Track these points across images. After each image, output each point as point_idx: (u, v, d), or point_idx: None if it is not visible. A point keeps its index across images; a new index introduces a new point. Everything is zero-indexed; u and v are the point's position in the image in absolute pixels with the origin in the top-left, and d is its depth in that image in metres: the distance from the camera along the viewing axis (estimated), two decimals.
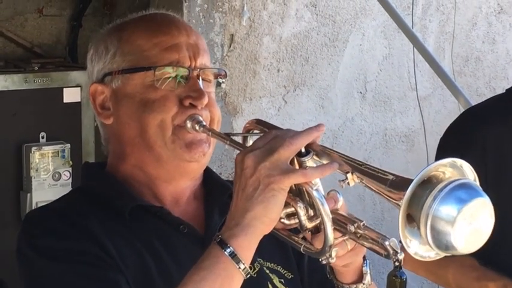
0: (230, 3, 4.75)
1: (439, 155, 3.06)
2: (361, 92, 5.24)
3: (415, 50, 5.18)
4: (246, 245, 1.77)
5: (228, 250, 1.76)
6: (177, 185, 2.12)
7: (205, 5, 4.72)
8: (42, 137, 4.71)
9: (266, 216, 1.75)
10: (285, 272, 2.12)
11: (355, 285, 1.97)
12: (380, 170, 1.72)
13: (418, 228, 1.65)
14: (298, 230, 1.83)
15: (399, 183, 1.66)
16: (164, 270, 2.02)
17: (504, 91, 3.13)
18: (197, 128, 2.01)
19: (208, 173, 2.18)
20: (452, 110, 5.05)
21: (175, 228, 2.07)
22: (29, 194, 4.60)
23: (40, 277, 1.98)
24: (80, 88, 4.82)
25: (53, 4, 5.09)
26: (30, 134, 4.69)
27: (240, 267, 1.77)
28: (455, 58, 5.42)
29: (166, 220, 2.08)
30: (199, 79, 2.06)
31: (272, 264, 1.89)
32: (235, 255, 1.76)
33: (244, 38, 4.72)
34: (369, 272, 1.98)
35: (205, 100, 2.03)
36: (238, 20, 4.66)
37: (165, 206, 2.10)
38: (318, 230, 1.81)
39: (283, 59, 4.95)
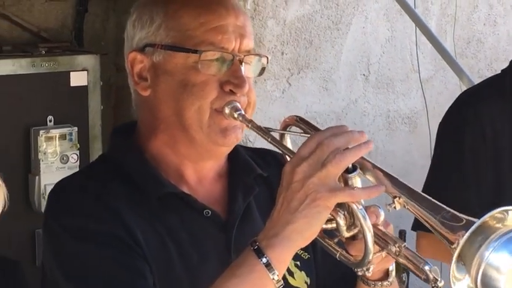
0: None
1: (441, 139, 3.10)
2: (364, 74, 5.24)
3: (417, 32, 5.20)
4: (282, 257, 1.78)
5: (264, 260, 1.77)
6: (204, 165, 2.11)
7: None
8: (50, 121, 4.74)
9: (308, 230, 1.76)
10: (302, 252, 2.09)
11: (380, 283, 1.98)
12: (427, 198, 1.73)
13: (467, 269, 1.66)
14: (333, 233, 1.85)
15: (453, 224, 1.68)
16: (186, 257, 2.01)
17: None
18: (235, 115, 1.99)
19: (235, 149, 2.15)
20: (454, 92, 5.05)
21: (199, 213, 2.06)
22: (37, 177, 4.65)
23: (65, 255, 1.98)
24: (86, 72, 4.84)
25: None
26: (38, 117, 4.71)
27: (273, 278, 1.77)
28: (457, 40, 5.42)
29: (191, 206, 2.06)
30: (242, 64, 2.02)
31: None
32: (270, 265, 1.77)
33: (250, 21, 4.71)
34: (394, 270, 1.98)
35: (246, 88, 2.00)
36: (243, 3, 4.62)
37: (190, 185, 2.09)
38: (354, 237, 1.83)
39: (287, 42, 4.95)
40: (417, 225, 2.86)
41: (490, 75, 3.36)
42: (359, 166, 1.79)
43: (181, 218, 2.05)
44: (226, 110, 1.99)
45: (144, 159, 2.08)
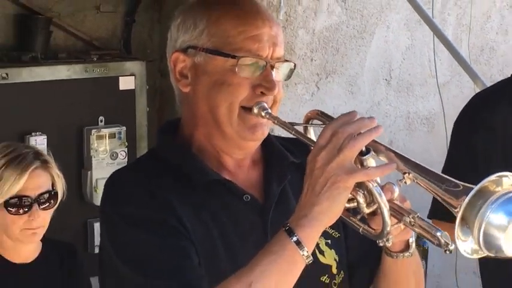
0: (270, 0, 4.75)
1: (455, 137, 3.09)
2: (386, 79, 5.25)
3: (435, 40, 5.17)
4: (311, 236, 1.79)
5: (295, 238, 1.77)
6: (237, 156, 2.11)
7: None
8: (101, 121, 4.75)
9: (331, 211, 1.77)
10: (332, 231, 2.12)
11: (401, 254, 1.99)
12: (434, 172, 1.75)
13: (471, 230, 1.67)
14: (356, 211, 1.86)
15: (456, 191, 1.70)
16: (227, 240, 2.01)
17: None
18: (263, 114, 2.00)
19: (268, 138, 2.14)
20: (468, 95, 4.97)
21: (240, 198, 2.06)
22: (89, 172, 4.69)
23: (121, 240, 1.98)
24: (134, 77, 4.86)
25: (109, 1, 5.08)
26: (90, 118, 4.73)
27: (303, 254, 1.78)
28: (472, 48, 5.42)
29: (232, 191, 2.06)
30: (273, 70, 2.02)
31: None
32: (300, 243, 1.77)
33: (281, 30, 4.74)
34: (414, 242, 1.99)
35: (275, 92, 2.02)
36: (276, 14, 4.63)
37: (230, 173, 2.09)
38: (374, 213, 1.83)
39: (316, 49, 4.96)
40: (431, 214, 2.82)
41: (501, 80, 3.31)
42: (372, 149, 1.79)
43: (223, 203, 2.04)
44: (255, 110, 2.00)
45: (189, 152, 2.08)
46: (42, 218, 3.20)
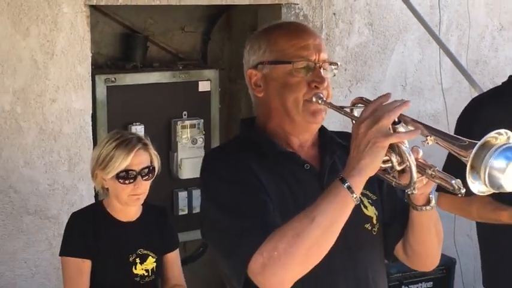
0: (313, 23, 4.72)
1: (457, 130, 3.04)
2: (402, 85, 5.20)
3: (440, 55, 5.14)
4: (359, 183, 1.80)
5: (346, 185, 1.79)
6: (302, 137, 2.14)
7: None
8: (184, 115, 4.79)
9: (372, 164, 1.79)
10: (371, 194, 2.14)
11: (424, 207, 1.99)
12: (449, 134, 1.77)
13: (478, 175, 1.69)
14: (389, 170, 1.88)
15: (465, 145, 1.72)
16: (294, 195, 2.04)
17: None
18: (320, 102, 2.03)
19: (322, 129, 2.19)
20: (465, 98, 4.95)
21: (301, 166, 2.10)
22: (175, 153, 4.74)
23: (215, 195, 2.03)
24: (209, 81, 4.88)
25: (191, 24, 5.12)
26: (176, 112, 4.77)
27: (353, 197, 1.80)
28: (469, 62, 5.35)
29: (296, 161, 2.10)
30: (321, 69, 2.05)
31: (362, 190, 1.86)
32: (351, 188, 1.79)
33: (323, 41, 4.72)
34: (433, 198, 2.00)
35: (325, 84, 2.05)
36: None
37: (295, 150, 2.13)
38: (403, 171, 1.85)
39: (349, 61, 4.93)
40: (438, 188, 2.84)
41: (492, 87, 3.29)
42: (402, 120, 1.81)
43: (289, 169, 2.08)
44: (314, 99, 2.03)
45: (264, 134, 2.13)
46: (144, 187, 3.22)
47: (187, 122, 4.77)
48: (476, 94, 4.04)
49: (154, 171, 3.27)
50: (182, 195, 4.84)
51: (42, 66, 3.98)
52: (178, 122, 4.74)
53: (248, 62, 2.16)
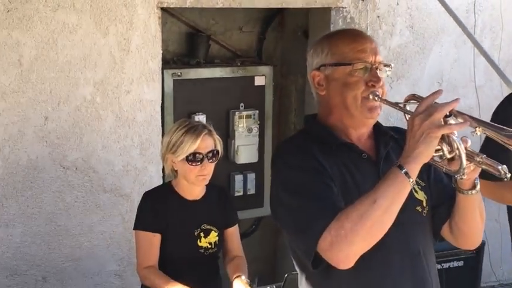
0: (359, 25, 4.73)
1: (493, 122, 3.04)
2: (439, 82, 5.17)
3: (474, 55, 5.10)
4: (415, 169, 1.84)
5: (404, 170, 1.82)
6: (360, 130, 2.15)
7: (342, 26, 4.71)
8: (241, 106, 4.82)
9: (426, 152, 1.82)
10: (420, 181, 2.14)
11: (470, 191, 2.00)
12: (495, 125, 1.80)
13: None
14: (440, 158, 1.90)
15: (510, 134, 1.76)
16: (355, 181, 2.06)
17: None
18: (376, 99, 2.05)
19: (377, 123, 2.20)
20: (497, 95, 4.96)
21: (360, 155, 2.12)
22: (233, 140, 4.79)
23: (286, 180, 2.05)
24: (264, 77, 4.90)
25: (248, 24, 5.13)
26: (234, 104, 4.82)
27: (410, 181, 1.83)
28: (501, 61, 5.28)
29: (355, 151, 2.12)
30: (377, 70, 2.07)
31: None
32: (407, 173, 1.82)
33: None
34: (478, 183, 2.00)
35: (381, 83, 2.07)
36: None
37: (353, 140, 2.14)
38: (452, 159, 1.87)
39: (390, 60, 4.71)
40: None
41: None
42: (453, 114, 1.83)
43: (349, 158, 2.09)
44: (371, 96, 2.04)
45: (326, 127, 2.15)
46: (209, 168, 3.26)
47: (244, 113, 4.79)
48: (508, 91, 4.02)
49: (218, 154, 3.29)
50: (238, 178, 4.89)
51: (119, 61, 4.07)
52: (236, 113, 4.77)
53: (311, 64, 2.17)
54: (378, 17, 4.85)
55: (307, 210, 1.95)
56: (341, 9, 4.71)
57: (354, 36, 2.13)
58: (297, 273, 2.19)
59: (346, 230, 1.84)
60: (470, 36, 4.40)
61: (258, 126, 4.84)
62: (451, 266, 4.27)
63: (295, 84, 5.22)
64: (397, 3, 4.92)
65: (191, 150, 3.20)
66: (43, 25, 3.86)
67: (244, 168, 4.89)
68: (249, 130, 4.82)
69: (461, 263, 4.24)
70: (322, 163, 2.02)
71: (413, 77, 5.06)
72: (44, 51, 3.88)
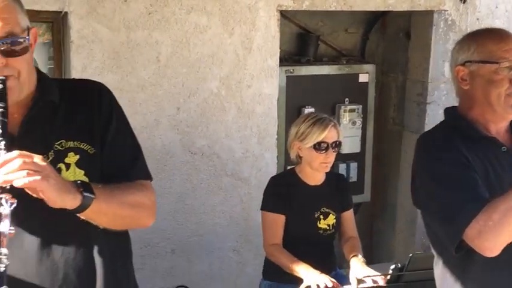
0: (460, 27, 4.72)
1: None
2: None
3: None
4: None
5: None
6: (499, 124, 2.14)
7: (444, 28, 4.79)
8: (346, 101, 4.93)
9: None
10: None
11: None
12: None
13: None
14: None
15: None
16: (496, 172, 2.05)
17: None
18: None
19: None
20: None
21: (499, 148, 2.10)
22: None
23: (434, 172, 2.04)
24: (367, 74, 4.95)
25: (353, 26, 5.22)
26: (340, 98, 4.92)
27: None
28: None
29: (495, 144, 2.10)
30: None
31: None
32: None
33: None
34: None
35: None
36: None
37: (492, 133, 2.12)
38: None
39: None
40: None
41: None
42: None
43: (490, 151, 2.06)
44: None
45: (468, 121, 2.13)
46: (332, 157, 3.36)
47: (349, 107, 4.89)
48: None
49: (340, 145, 3.40)
50: (342, 166, 4.99)
51: (242, 59, 4.26)
52: (341, 107, 4.88)
53: (456, 60, 2.14)
54: (478, 19, 4.85)
55: (454, 200, 1.95)
56: (443, 12, 4.75)
57: (501, 35, 2.10)
58: (421, 253, 2.26)
59: (494, 221, 1.84)
60: None
61: (361, 119, 4.92)
62: None
63: (395, 81, 5.29)
64: (496, 6, 4.92)
65: (319, 139, 3.31)
66: (178, 26, 4.11)
67: (348, 158, 4.99)
68: (353, 123, 4.89)
69: None
70: (466, 155, 2.01)
71: None
72: (178, 49, 4.13)
